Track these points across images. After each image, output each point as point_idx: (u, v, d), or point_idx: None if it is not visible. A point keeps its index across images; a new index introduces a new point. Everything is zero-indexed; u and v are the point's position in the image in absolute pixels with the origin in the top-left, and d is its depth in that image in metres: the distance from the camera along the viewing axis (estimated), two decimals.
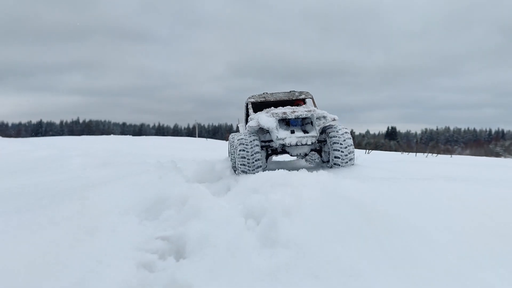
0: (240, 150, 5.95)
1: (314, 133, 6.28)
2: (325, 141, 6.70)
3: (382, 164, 8.79)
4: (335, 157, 6.22)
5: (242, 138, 6.17)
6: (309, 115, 6.38)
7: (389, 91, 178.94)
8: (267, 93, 7.97)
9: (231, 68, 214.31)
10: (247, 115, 8.12)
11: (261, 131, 6.75)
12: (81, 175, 5.23)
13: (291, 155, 6.78)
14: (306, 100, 8.19)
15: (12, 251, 2.25)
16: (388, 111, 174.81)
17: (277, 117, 6.29)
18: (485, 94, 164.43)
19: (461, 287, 2.19)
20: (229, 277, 2.36)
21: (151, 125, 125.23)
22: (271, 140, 6.66)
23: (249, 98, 7.92)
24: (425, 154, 18.80)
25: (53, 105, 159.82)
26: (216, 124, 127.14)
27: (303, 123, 6.77)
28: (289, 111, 6.45)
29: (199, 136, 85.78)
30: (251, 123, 6.48)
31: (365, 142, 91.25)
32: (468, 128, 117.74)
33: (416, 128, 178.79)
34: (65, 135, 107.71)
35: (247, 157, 5.94)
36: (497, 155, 71.29)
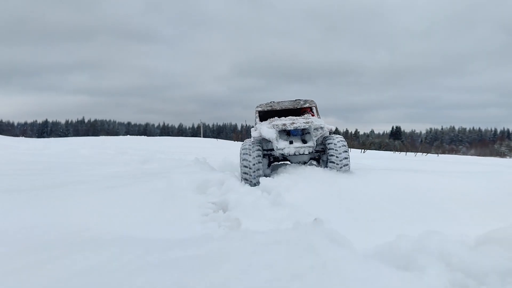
0: (243, 160, 6.37)
1: (312, 143, 6.63)
2: (324, 150, 7.06)
3: (371, 162, 10.75)
4: (331, 162, 6.59)
5: (246, 149, 6.52)
6: (307, 126, 6.75)
7: (394, 91, 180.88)
8: (274, 102, 8.32)
9: (235, 68, 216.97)
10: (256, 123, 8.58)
11: (265, 140, 7.07)
12: (139, 168, 7.25)
13: (291, 163, 7.23)
14: (312, 107, 8.49)
15: (141, 202, 4.28)
16: (392, 111, 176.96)
17: (277, 128, 6.70)
18: (490, 93, 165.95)
19: (381, 214, 4.22)
20: (254, 219, 4.37)
21: (156, 124, 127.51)
22: (273, 149, 6.98)
23: (257, 107, 8.39)
24: (415, 153, 20.78)
25: (59, 105, 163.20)
26: (220, 123, 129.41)
27: (303, 133, 7.09)
28: (288, 122, 6.86)
29: (204, 136, 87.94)
30: (254, 133, 6.97)
31: (369, 141, 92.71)
32: (473, 128, 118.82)
33: (421, 127, 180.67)
34: (71, 134, 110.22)
35: (249, 167, 6.31)
36: (502, 154, 72.44)
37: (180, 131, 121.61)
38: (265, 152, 7.11)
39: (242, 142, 7.16)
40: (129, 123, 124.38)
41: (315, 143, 6.79)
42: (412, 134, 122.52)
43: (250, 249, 2.08)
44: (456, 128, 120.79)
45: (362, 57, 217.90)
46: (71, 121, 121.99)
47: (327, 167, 6.77)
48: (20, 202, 4.01)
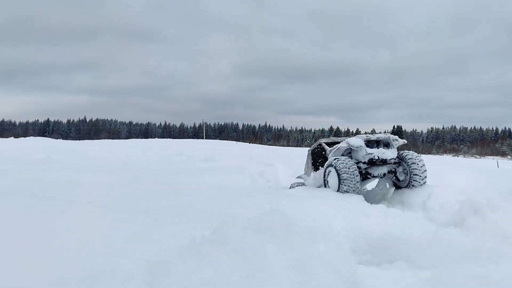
0: (341, 163, 6.83)
1: (394, 150, 7.15)
2: (399, 162, 7.32)
3: None
4: (414, 174, 6.90)
5: (348, 172, 6.71)
6: (386, 137, 7.35)
7: (396, 91, 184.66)
8: (331, 137, 9.27)
9: (237, 67, 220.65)
10: (314, 156, 8.95)
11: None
12: (209, 165, 11.06)
13: (372, 176, 7.34)
14: None
15: (204, 188, 8.28)
16: (394, 110, 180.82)
17: (363, 139, 7.26)
18: (491, 93, 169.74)
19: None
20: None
21: (158, 124, 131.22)
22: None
23: (321, 140, 8.88)
24: None
25: (60, 104, 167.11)
26: (222, 123, 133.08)
27: (378, 146, 7.48)
28: (369, 135, 7.58)
29: (206, 136, 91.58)
30: (342, 144, 7.43)
31: None
32: (474, 127, 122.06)
33: (423, 127, 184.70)
34: (72, 134, 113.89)
35: (349, 173, 6.71)
36: (503, 154, 75.66)
37: (182, 131, 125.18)
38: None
39: (334, 158, 7.31)
40: (130, 123, 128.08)
41: (396, 152, 7.26)
42: (414, 133, 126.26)
43: None
44: (458, 127, 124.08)
45: (363, 57, 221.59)
46: (73, 120, 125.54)
47: (403, 179, 7.14)
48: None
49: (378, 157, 7.01)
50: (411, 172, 6.96)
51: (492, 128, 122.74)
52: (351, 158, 7.29)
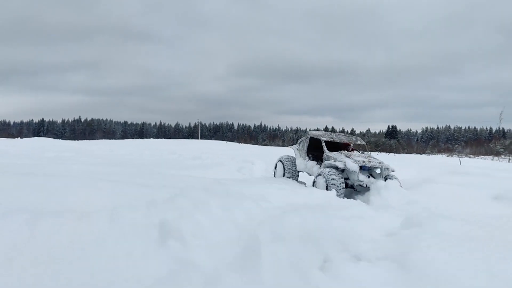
0: (332, 184, 8.17)
1: (382, 180, 8.48)
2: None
3: None
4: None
5: (334, 179, 8.15)
6: (380, 166, 8.74)
7: (391, 91, 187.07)
8: (331, 134, 10.26)
9: (233, 68, 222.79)
10: (310, 145, 10.42)
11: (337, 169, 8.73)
12: (197, 162, 13.19)
13: (355, 190, 8.94)
14: (361, 145, 10.61)
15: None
16: (389, 110, 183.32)
17: (359, 164, 8.50)
18: (486, 93, 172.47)
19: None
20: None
21: (153, 124, 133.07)
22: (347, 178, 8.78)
23: (321, 136, 9.92)
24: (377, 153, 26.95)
25: (55, 104, 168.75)
26: (217, 123, 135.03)
27: (370, 169, 8.91)
28: (366, 160, 8.79)
29: (201, 136, 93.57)
30: (339, 164, 8.56)
31: (365, 141, 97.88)
32: (468, 127, 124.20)
33: (417, 127, 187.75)
34: (67, 134, 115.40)
35: (336, 185, 8.11)
36: (497, 153, 77.43)
37: (177, 131, 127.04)
38: (345, 180, 8.80)
39: (327, 168, 8.69)
40: (125, 123, 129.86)
41: (382, 180, 8.50)
42: (408, 133, 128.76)
43: None
44: (452, 127, 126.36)
45: (359, 57, 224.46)
46: (68, 120, 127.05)
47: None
48: None
49: (366, 185, 8.56)
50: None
51: (486, 128, 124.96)
52: (343, 172, 8.76)
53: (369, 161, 8.86)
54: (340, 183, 8.25)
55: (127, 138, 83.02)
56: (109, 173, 6.77)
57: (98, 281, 2.59)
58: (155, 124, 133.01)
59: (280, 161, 10.49)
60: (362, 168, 8.75)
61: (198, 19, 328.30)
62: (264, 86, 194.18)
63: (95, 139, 71.10)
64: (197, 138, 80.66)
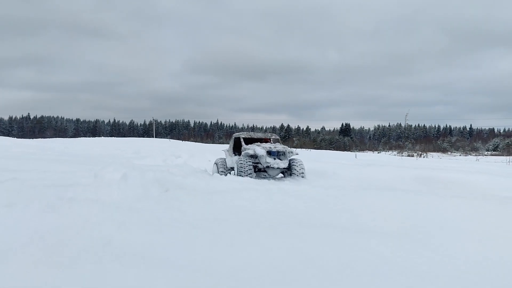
0: (240, 166, 10.64)
1: (286, 161, 10.94)
2: (290, 167, 11.26)
3: None
4: (294, 170, 10.99)
5: (243, 161, 10.59)
6: (284, 149, 11.09)
7: (344, 89, 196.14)
8: (252, 132, 13.17)
9: (189, 65, 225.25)
10: (235, 144, 12.58)
11: (252, 157, 10.99)
12: (134, 155, 17.87)
13: (268, 175, 11.03)
14: (276, 139, 12.90)
15: None
16: (343, 108, 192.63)
17: (265, 149, 10.83)
18: (434, 92, 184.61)
19: None
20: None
21: (106, 121, 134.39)
22: (259, 162, 10.97)
23: (241, 134, 12.63)
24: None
25: (2, 100, 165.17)
26: (173, 120, 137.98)
27: (277, 154, 11.06)
28: (272, 146, 11.08)
29: (156, 133, 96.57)
30: (249, 151, 10.82)
31: (320, 138, 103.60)
32: (418, 125, 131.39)
33: (370, 124, 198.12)
34: (15, 131, 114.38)
35: (244, 169, 10.49)
36: (444, 150, 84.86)
37: (132, 128, 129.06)
38: (255, 164, 11.08)
39: (240, 156, 11.22)
40: (78, 120, 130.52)
41: (288, 161, 11.08)
42: (361, 130, 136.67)
43: None
44: (403, 125, 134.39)
45: (313, 56, 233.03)
46: (15, 117, 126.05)
47: (291, 175, 11.08)
48: None
49: (273, 166, 10.82)
50: (294, 169, 11.26)
51: (435, 126, 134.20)
52: (257, 158, 11.04)
53: (275, 147, 11.17)
54: (247, 166, 10.69)
55: (80, 136, 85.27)
56: (69, 160, 11.57)
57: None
58: (109, 121, 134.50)
59: (215, 163, 12.88)
60: (270, 153, 11.05)
61: (153, 16, 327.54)
62: (220, 83, 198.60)
63: (45, 137, 73.01)
64: (153, 136, 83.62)
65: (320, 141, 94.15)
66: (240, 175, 10.65)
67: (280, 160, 11.01)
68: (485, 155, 60.73)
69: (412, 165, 16.36)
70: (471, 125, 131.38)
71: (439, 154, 69.68)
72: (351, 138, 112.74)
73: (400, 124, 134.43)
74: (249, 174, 10.61)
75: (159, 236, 3.86)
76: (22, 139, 35.97)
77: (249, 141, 12.80)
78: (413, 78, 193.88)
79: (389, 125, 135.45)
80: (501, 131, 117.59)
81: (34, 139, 39.16)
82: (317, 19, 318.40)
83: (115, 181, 7.09)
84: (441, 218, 5.06)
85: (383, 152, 72.91)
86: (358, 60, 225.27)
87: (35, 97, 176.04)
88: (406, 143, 79.39)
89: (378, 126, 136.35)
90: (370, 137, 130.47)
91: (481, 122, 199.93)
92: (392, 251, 3.64)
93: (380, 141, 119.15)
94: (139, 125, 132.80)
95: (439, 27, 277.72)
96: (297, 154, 11.76)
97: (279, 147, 11.25)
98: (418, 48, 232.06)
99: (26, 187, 5.63)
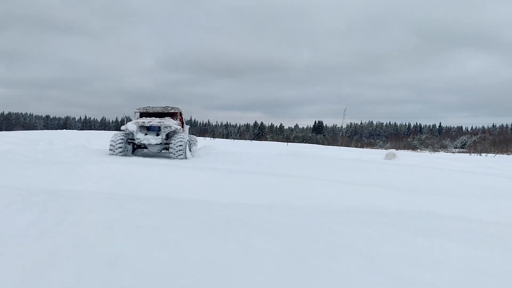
0: (111, 142, 10.24)
1: (161, 137, 10.31)
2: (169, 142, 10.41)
3: None
4: (171, 153, 10.11)
5: (114, 135, 10.27)
6: (159, 124, 10.35)
7: (317, 87, 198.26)
8: (149, 106, 11.79)
9: (162, 62, 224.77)
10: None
11: (131, 133, 10.57)
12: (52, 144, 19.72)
13: (150, 151, 10.80)
14: (178, 112, 11.71)
15: None
16: (316, 106, 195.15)
17: (137, 124, 10.35)
18: (405, 91, 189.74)
19: None
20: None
21: (77, 118, 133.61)
22: (134, 139, 10.41)
23: (137, 109, 11.68)
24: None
25: None
26: None
27: (159, 129, 10.38)
28: (147, 121, 10.38)
29: None
30: (123, 127, 10.55)
31: (293, 135, 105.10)
32: (389, 123, 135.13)
33: (342, 122, 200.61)
34: None
35: (113, 146, 10.09)
36: (414, 147, 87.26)
37: (103, 125, 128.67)
38: (130, 140, 10.65)
39: (112, 135, 10.60)
40: (47, 117, 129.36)
41: (164, 137, 10.41)
42: (334, 128, 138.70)
43: None
44: (374, 123, 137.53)
45: (287, 54, 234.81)
46: None
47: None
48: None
49: (143, 143, 10.45)
50: (171, 147, 10.47)
51: (405, 124, 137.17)
52: (133, 134, 10.49)
53: (149, 122, 10.53)
54: (117, 143, 10.33)
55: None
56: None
57: None
58: (80, 118, 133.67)
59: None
60: (150, 128, 10.50)
61: (126, 12, 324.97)
62: (194, 81, 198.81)
63: None
64: None
65: (293, 139, 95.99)
66: (110, 154, 10.36)
67: (158, 136, 10.54)
68: (453, 152, 63.68)
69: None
70: (440, 123, 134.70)
71: (409, 151, 72.00)
72: (324, 135, 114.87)
73: (372, 122, 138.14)
74: (120, 152, 10.36)
75: None
76: None
77: (147, 115, 11.93)
78: (384, 77, 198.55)
79: (361, 123, 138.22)
80: (469, 129, 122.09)
81: None
82: (291, 18, 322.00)
83: None
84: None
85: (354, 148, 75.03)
86: (331, 59, 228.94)
87: (4, 93, 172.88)
88: (377, 140, 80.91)
89: (351, 123, 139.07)
90: (342, 135, 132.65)
91: (450, 120, 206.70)
92: None
93: (353, 139, 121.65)
94: (111, 121, 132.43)
95: (409, 27, 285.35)
96: (176, 128, 10.88)
97: (154, 122, 10.62)
98: (389, 48, 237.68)
99: None
